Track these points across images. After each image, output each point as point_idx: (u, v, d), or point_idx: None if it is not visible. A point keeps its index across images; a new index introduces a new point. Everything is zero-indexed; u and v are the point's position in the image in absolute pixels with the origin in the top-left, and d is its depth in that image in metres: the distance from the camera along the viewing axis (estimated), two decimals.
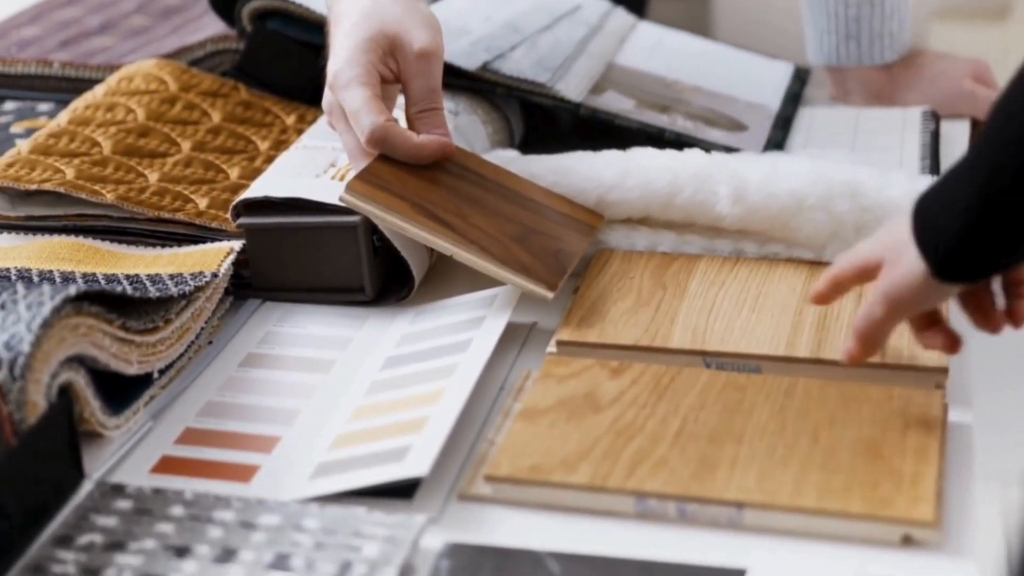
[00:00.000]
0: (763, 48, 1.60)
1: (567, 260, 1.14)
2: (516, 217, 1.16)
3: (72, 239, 1.17)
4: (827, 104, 1.52)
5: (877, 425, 0.97)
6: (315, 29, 1.36)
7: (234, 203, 1.17)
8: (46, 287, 0.96)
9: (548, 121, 1.43)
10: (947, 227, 0.93)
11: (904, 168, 1.30)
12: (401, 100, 1.21)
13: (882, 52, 1.48)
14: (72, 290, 0.96)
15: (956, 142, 1.41)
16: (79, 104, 1.31)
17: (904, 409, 0.99)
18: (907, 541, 0.89)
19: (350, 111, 1.13)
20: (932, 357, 1.04)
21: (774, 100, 1.46)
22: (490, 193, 1.17)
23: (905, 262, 0.96)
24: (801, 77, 1.53)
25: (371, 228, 1.14)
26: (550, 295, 1.10)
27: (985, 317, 1.00)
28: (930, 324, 1.01)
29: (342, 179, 1.17)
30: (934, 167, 1.31)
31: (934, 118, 1.41)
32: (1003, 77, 0.96)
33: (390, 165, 1.13)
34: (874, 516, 0.90)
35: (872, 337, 0.99)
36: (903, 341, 1.04)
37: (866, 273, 1.01)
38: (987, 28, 2.67)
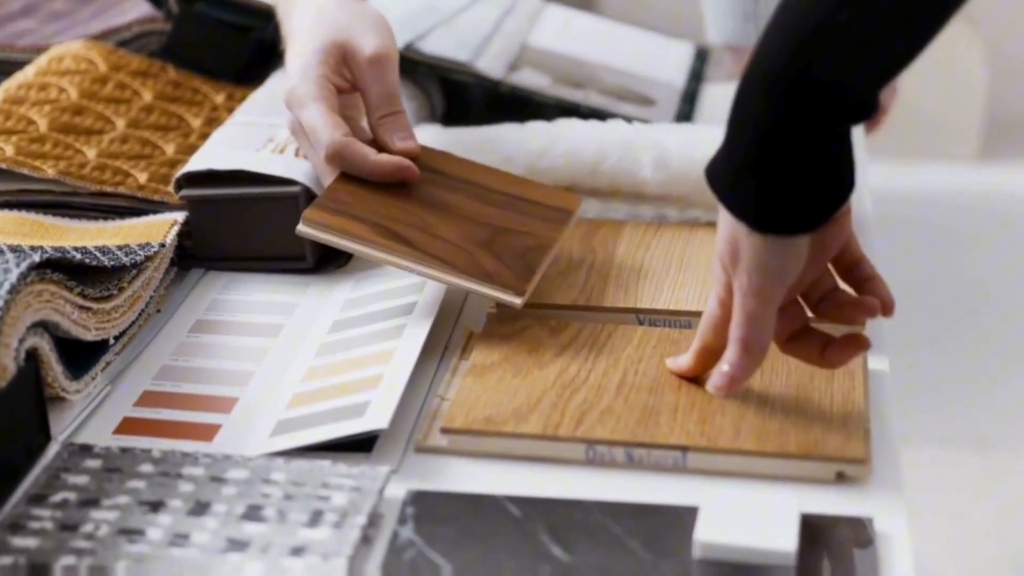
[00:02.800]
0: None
1: (536, 258, 1.11)
2: (484, 218, 1.14)
3: (16, 214, 1.17)
4: (726, 81, 1.58)
5: (805, 372, 1.02)
6: (242, 11, 1.39)
7: (177, 176, 1.19)
8: (9, 255, 0.97)
9: (463, 99, 1.46)
10: (740, 180, 0.93)
11: None
12: None
13: None
14: (36, 257, 0.97)
15: None
16: (11, 84, 1.32)
17: None
18: (840, 477, 0.95)
19: (308, 130, 1.13)
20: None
21: (678, 77, 1.51)
22: (456, 193, 1.15)
23: (743, 248, 0.93)
24: (702, 56, 1.58)
25: (311, 198, 1.17)
26: (519, 302, 1.08)
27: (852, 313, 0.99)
28: (824, 352, 0.99)
29: (282, 152, 1.20)
30: None
31: None
32: None
33: (350, 184, 1.12)
34: (810, 455, 0.95)
35: (759, 339, 0.95)
36: None
37: (727, 308, 0.98)
38: None
